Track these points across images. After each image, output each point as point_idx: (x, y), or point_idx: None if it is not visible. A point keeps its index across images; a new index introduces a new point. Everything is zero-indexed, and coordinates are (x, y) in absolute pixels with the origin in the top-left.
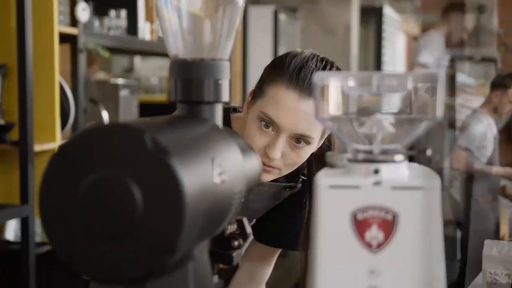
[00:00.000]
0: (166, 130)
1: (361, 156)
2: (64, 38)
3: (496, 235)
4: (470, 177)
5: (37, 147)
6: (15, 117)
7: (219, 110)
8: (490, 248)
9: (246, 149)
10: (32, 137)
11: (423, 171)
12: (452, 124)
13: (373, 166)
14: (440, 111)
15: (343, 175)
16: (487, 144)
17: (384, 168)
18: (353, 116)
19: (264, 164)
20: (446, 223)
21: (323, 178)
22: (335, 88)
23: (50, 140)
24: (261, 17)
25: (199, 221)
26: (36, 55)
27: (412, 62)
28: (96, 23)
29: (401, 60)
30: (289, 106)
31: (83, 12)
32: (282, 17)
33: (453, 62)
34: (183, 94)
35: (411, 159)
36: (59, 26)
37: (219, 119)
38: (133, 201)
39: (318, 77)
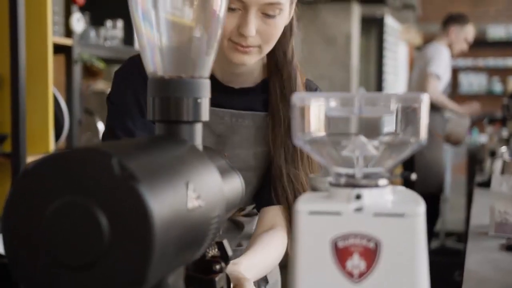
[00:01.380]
0: (136, 153)
1: (343, 180)
2: (59, 48)
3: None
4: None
5: (30, 159)
6: (8, 128)
7: (198, 129)
8: (499, 183)
9: (227, 169)
10: (24, 149)
11: (407, 195)
12: None
13: (355, 191)
14: (424, 134)
15: (324, 200)
16: (446, 76)
17: (367, 193)
18: (335, 138)
19: (241, 45)
20: None
21: (303, 204)
22: (315, 109)
23: (43, 152)
24: None
25: (170, 249)
26: (30, 65)
27: (420, 72)
28: (93, 33)
29: (403, 70)
30: None
31: (78, 22)
32: None
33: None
34: (161, 113)
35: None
36: (54, 36)
37: (198, 139)
38: (99, 229)
39: (297, 97)
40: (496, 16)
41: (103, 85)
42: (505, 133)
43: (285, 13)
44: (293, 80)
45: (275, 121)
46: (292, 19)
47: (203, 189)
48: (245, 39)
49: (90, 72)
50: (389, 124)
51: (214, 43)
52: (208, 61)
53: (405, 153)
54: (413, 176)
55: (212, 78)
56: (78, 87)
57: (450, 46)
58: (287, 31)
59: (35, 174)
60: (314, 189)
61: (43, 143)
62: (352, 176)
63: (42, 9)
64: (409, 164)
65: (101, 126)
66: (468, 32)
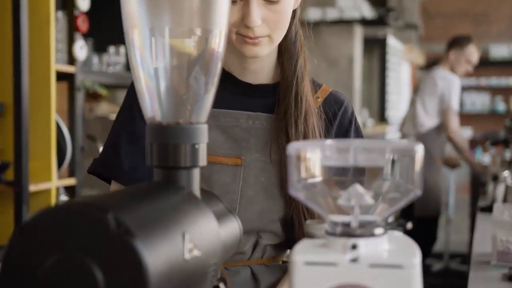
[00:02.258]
0: (132, 206)
1: (338, 229)
2: (62, 76)
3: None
4: (427, 134)
5: (33, 187)
6: (10, 156)
7: (196, 174)
8: (501, 212)
9: (224, 213)
10: (27, 177)
11: (404, 244)
12: None
13: (351, 241)
14: (419, 185)
15: (319, 249)
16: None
17: (363, 243)
18: (330, 187)
19: (249, 37)
20: None
21: (299, 254)
22: (310, 158)
23: (46, 179)
24: None
25: None
26: (33, 94)
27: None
28: (96, 59)
29: (405, 89)
30: None
31: (81, 50)
32: None
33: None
34: (159, 159)
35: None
36: (57, 64)
37: (196, 184)
38: (95, 285)
39: (293, 146)
40: (498, 35)
41: (107, 107)
42: (508, 154)
43: None
44: (299, 79)
45: (287, 124)
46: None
47: (199, 238)
48: (251, 30)
49: (93, 94)
50: (385, 173)
51: (210, 91)
52: (206, 105)
53: (401, 203)
54: (409, 225)
55: (229, 75)
56: (80, 114)
57: (452, 69)
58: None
59: (31, 230)
60: (310, 235)
61: (45, 170)
62: (347, 225)
63: (46, 37)
64: None
65: None
66: (469, 53)
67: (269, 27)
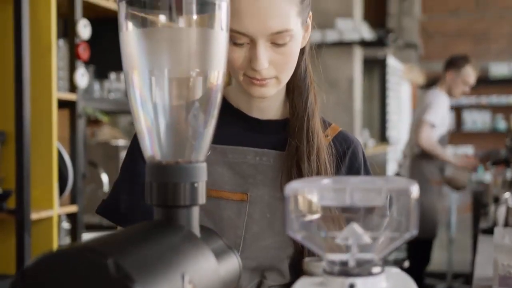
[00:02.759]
0: (131, 249)
1: (336, 268)
2: (63, 103)
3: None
4: (422, 155)
5: (34, 215)
6: (12, 184)
7: (195, 213)
8: (502, 236)
9: (224, 250)
10: (29, 206)
11: (402, 282)
12: None
13: (349, 280)
14: (416, 225)
15: None
16: (444, 123)
17: (360, 283)
18: (327, 226)
19: (256, 79)
20: None
21: None
22: (307, 198)
23: (47, 207)
24: None
25: None
26: (35, 122)
27: (417, 118)
28: (97, 86)
29: (406, 109)
30: (248, 10)
31: (82, 78)
32: None
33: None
34: (158, 198)
35: None
36: (58, 92)
37: (195, 222)
38: None
39: (290, 187)
40: (498, 54)
41: (109, 131)
42: (509, 174)
43: (298, 37)
44: (310, 115)
45: (300, 160)
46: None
47: (199, 278)
48: (259, 72)
49: (95, 119)
50: (382, 212)
51: (209, 130)
52: (205, 143)
53: (398, 242)
54: (406, 264)
55: (237, 111)
56: (82, 141)
57: (449, 90)
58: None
59: (32, 274)
60: (309, 273)
61: (47, 198)
62: (345, 264)
63: (47, 65)
64: None
65: (105, 178)
66: (466, 74)
67: (276, 69)
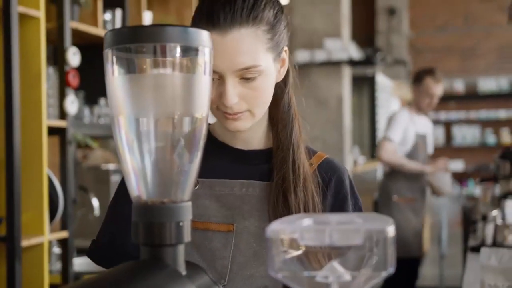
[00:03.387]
0: None
1: None
2: (53, 130)
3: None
4: (388, 174)
5: (25, 242)
6: (3, 212)
7: (181, 251)
8: (488, 256)
9: (209, 285)
10: (19, 233)
11: None
12: None
13: None
14: (392, 263)
15: None
16: (408, 139)
17: None
18: (308, 265)
19: (228, 113)
20: None
21: None
22: (288, 239)
23: (38, 234)
24: None
25: None
26: (25, 149)
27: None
28: (87, 111)
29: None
30: (216, 48)
31: (72, 105)
32: None
33: None
34: (145, 237)
35: None
36: (48, 119)
37: (181, 260)
38: None
39: (271, 229)
40: (486, 69)
41: (101, 154)
42: (497, 190)
43: (269, 72)
44: (295, 146)
45: (286, 191)
46: (288, 72)
47: None
48: (230, 107)
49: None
50: (361, 251)
51: (195, 163)
52: (190, 183)
53: (377, 279)
54: None
55: (222, 144)
56: (72, 167)
57: (417, 105)
58: (280, 87)
59: None
60: None
61: (38, 225)
62: None
63: (37, 92)
64: None
65: (95, 203)
66: (427, 86)
67: (248, 103)
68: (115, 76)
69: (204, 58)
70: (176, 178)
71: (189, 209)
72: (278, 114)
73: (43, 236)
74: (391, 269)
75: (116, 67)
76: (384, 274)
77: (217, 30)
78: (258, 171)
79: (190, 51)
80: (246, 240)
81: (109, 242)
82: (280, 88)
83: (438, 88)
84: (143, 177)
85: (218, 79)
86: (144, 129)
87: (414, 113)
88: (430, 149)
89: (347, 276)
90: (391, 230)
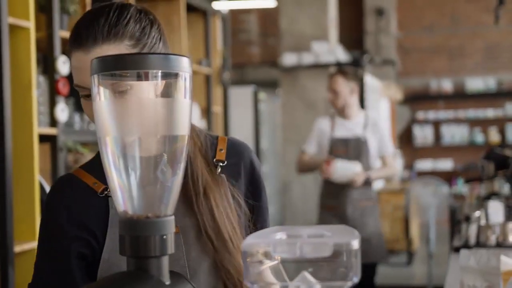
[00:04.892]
0: None
1: None
2: (44, 137)
3: None
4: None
5: (18, 248)
6: None
7: (165, 262)
8: (468, 258)
9: None
10: (12, 239)
11: None
12: None
13: None
14: (357, 273)
15: None
16: (323, 147)
17: None
18: (280, 276)
19: None
20: None
21: None
22: (262, 252)
23: (30, 239)
24: (242, 96)
25: None
26: (16, 156)
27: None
28: (77, 118)
29: (386, 125)
30: (78, 64)
31: (62, 112)
32: (262, 95)
33: None
34: (131, 250)
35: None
36: (39, 127)
37: (165, 271)
38: None
39: (247, 243)
40: (474, 69)
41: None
42: (482, 191)
43: (142, 85)
44: (191, 159)
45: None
46: None
47: None
48: None
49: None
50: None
51: (178, 180)
52: (173, 197)
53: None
54: None
55: None
56: (63, 173)
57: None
58: None
59: None
60: None
61: (30, 231)
62: None
63: (28, 101)
64: None
65: None
66: (330, 81)
67: None
68: (101, 100)
69: (185, 83)
70: (160, 193)
71: (172, 222)
72: None
73: (35, 242)
74: (356, 279)
75: (102, 92)
76: (349, 284)
77: (81, 49)
78: None
79: (170, 76)
80: (192, 236)
81: (45, 282)
82: None
83: (340, 85)
84: (129, 193)
85: (89, 95)
86: (129, 149)
87: (338, 117)
88: (388, 148)
89: (317, 286)
90: (356, 243)
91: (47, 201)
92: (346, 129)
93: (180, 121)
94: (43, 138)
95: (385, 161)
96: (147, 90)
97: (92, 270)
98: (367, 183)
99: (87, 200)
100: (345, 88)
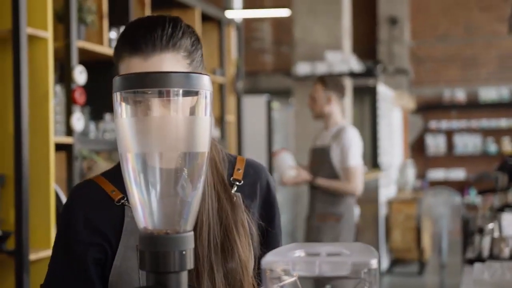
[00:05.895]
0: None
1: None
2: (60, 146)
3: None
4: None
5: (33, 256)
6: (11, 226)
7: (184, 277)
8: (481, 271)
9: None
10: (27, 247)
11: None
12: None
13: None
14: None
15: None
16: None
17: None
18: None
19: None
20: None
21: None
22: (281, 270)
23: (46, 247)
24: (255, 105)
25: None
26: (33, 165)
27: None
28: (92, 126)
29: (398, 134)
30: (137, 70)
31: (78, 121)
32: (275, 105)
33: None
34: (150, 265)
35: None
36: (55, 136)
37: (184, 285)
38: None
39: (266, 260)
40: (487, 78)
41: (105, 165)
42: (496, 202)
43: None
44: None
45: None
46: None
47: None
48: None
49: None
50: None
51: (197, 195)
52: (192, 217)
53: None
54: None
55: None
56: (78, 182)
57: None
58: None
59: None
60: None
61: (45, 239)
62: None
63: (45, 110)
64: None
65: None
66: (313, 89)
67: None
68: (123, 117)
69: (205, 101)
70: (180, 209)
71: (191, 239)
72: None
73: (50, 250)
74: None
75: (124, 109)
76: None
77: (140, 55)
78: None
79: (191, 94)
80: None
81: (59, 283)
82: None
83: (317, 92)
84: (149, 209)
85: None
86: (150, 165)
87: (324, 126)
88: (349, 160)
89: None
90: (375, 262)
91: (65, 205)
92: (322, 139)
93: (201, 138)
94: (59, 147)
95: (346, 173)
96: (168, 108)
97: (104, 275)
98: (337, 196)
99: (104, 207)
100: (322, 96)
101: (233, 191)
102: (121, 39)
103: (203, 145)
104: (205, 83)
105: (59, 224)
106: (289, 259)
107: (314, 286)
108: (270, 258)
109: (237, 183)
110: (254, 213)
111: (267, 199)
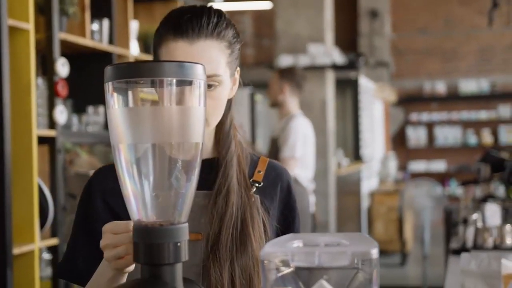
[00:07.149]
0: None
1: None
2: (43, 139)
3: None
4: None
5: (16, 250)
6: None
7: (179, 269)
8: (468, 261)
9: None
10: (11, 242)
11: None
12: None
13: None
14: (377, 283)
15: None
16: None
17: None
18: (298, 284)
19: None
20: None
21: None
22: (280, 261)
23: (29, 241)
24: (238, 98)
25: None
26: (15, 158)
27: None
28: (75, 119)
29: (379, 126)
30: (181, 54)
31: (61, 114)
32: (258, 97)
33: None
34: (145, 257)
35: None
36: (38, 129)
37: (178, 277)
38: None
39: (265, 251)
40: (467, 71)
41: (87, 159)
42: (478, 192)
43: (226, 85)
44: (228, 162)
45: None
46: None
47: None
48: None
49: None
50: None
51: (191, 187)
52: (186, 204)
53: None
54: None
55: None
56: (61, 175)
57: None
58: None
59: None
60: None
61: (28, 233)
62: None
63: (27, 103)
64: None
65: None
66: None
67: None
68: (115, 107)
69: (199, 90)
70: (174, 200)
71: (186, 230)
72: (221, 129)
73: (33, 244)
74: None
75: (116, 99)
76: None
77: (185, 39)
78: (204, 179)
79: (185, 84)
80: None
81: (83, 259)
82: (227, 105)
83: (272, 80)
84: (143, 201)
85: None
86: (142, 156)
87: (279, 117)
88: (284, 150)
89: None
90: (375, 252)
91: (87, 184)
92: (276, 129)
93: (195, 128)
94: (41, 140)
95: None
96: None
97: None
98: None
99: (120, 191)
100: (275, 85)
101: (252, 192)
102: (165, 23)
103: (197, 136)
104: (199, 72)
105: (80, 200)
106: (288, 250)
107: (313, 277)
108: (269, 249)
109: (257, 184)
110: (273, 214)
111: (288, 202)
